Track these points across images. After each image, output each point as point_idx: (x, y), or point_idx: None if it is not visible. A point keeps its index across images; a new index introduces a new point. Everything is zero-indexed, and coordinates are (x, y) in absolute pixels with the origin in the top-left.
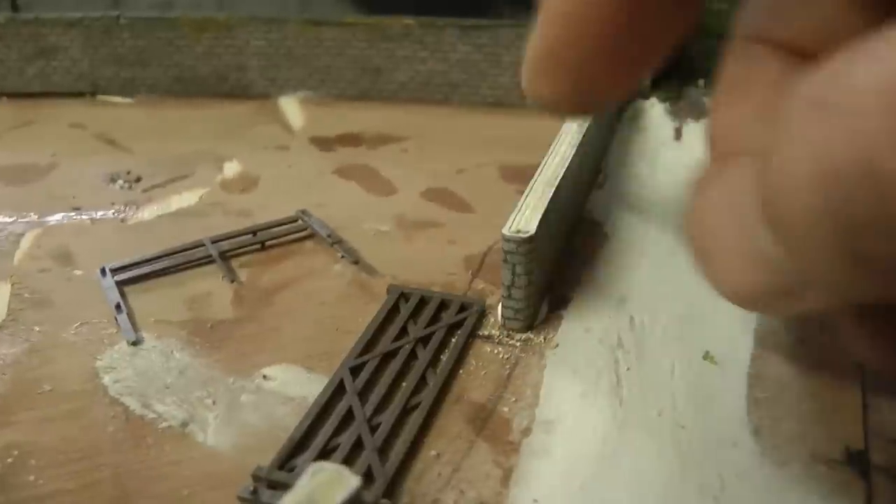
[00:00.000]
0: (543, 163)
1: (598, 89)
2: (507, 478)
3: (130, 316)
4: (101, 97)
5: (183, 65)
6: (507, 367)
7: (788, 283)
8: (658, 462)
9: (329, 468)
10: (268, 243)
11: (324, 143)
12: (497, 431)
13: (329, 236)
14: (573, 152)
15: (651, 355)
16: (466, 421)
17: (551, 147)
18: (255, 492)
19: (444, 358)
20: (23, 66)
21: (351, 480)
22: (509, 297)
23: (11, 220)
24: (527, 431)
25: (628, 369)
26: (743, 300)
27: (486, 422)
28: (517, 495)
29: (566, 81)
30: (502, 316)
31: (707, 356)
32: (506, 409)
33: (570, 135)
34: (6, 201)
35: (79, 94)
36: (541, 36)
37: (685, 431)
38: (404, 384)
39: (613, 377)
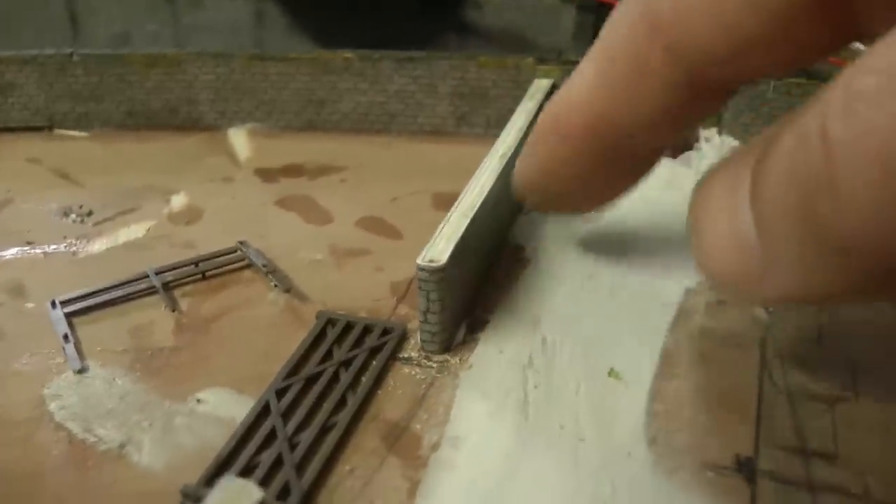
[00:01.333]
0: (462, 194)
1: (568, 211)
2: (413, 490)
3: (77, 346)
4: (57, 131)
5: (135, 99)
6: (423, 387)
7: (760, 268)
8: (556, 473)
9: (236, 482)
10: (208, 273)
11: (267, 175)
12: (408, 447)
13: (264, 266)
14: (492, 182)
15: (559, 374)
16: (381, 438)
17: (472, 178)
18: None
19: (364, 379)
20: None
21: (254, 493)
22: (426, 321)
23: None
24: (436, 447)
25: (536, 387)
26: (721, 280)
27: (398, 438)
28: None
29: (539, 202)
30: (420, 339)
31: (612, 373)
32: (418, 426)
33: (491, 164)
34: None
35: (36, 129)
36: (523, 160)
37: (584, 444)
38: (325, 405)
39: (521, 395)
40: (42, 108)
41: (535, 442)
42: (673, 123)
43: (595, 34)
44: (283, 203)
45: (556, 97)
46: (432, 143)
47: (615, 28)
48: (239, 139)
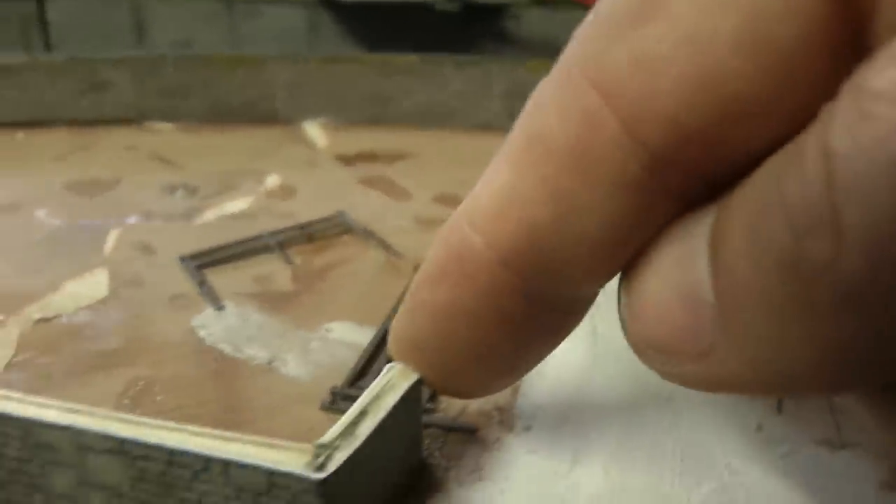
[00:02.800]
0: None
1: (462, 389)
2: (515, 391)
3: (211, 290)
4: (146, 124)
5: (219, 96)
6: None
7: (709, 336)
8: (623, 381)
9: (397, 366)
10: (314, 236)
11: (346, 160)
12: None
13: (363, 230)
14: None
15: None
16: None
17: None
18: (333, 402)
19: None
20: (77, 98)
21: (413, 375)
22: None
23: (94, 222)
24: None
25: (601, 317)
26: (654, 346)
27: None
28: (523, 403)
29: (427, 372)
30: None
31: None
32: None
33: None
34: (85, 208)
35: (126, 122)
36: (405, 316)
37: None
38: None
39: (589, 321)
40: (133, 104)
41: (605, 359)
42: (622, 243)
43: None
44: (365, 182)
45: (456, 215)
46: (486, 136)
47: (546, 105)
48: (313, 131)
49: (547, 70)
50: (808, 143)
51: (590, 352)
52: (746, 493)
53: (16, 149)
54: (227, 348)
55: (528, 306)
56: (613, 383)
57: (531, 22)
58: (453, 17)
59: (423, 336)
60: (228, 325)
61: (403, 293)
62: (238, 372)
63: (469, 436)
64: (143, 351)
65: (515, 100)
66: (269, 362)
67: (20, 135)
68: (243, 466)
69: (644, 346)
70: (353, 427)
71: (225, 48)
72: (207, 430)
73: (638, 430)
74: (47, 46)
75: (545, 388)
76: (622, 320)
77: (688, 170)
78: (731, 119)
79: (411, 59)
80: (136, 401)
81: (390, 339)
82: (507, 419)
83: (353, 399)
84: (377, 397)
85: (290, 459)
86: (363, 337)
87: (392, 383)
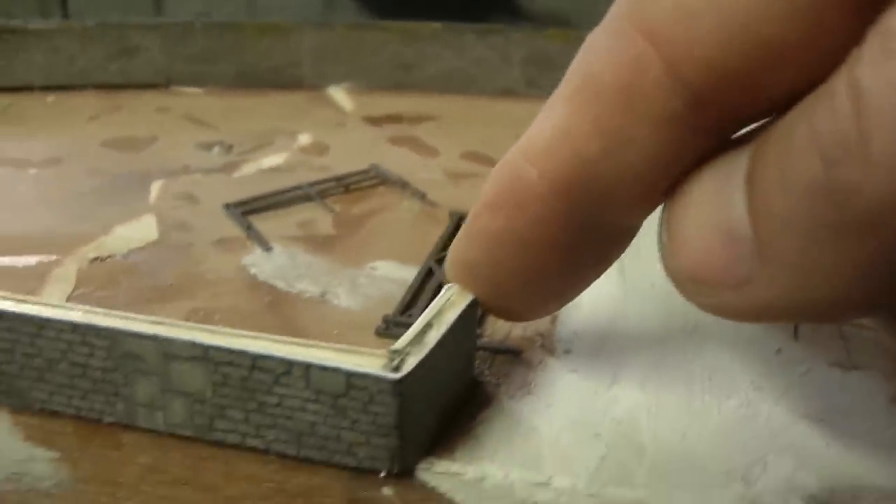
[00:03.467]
0: None
1: (513, 311)
2: (554, 319)
3: (258, 234)
4: (174, 88)
5: (246, 61)
6: None
7: (748, 266)
8: (651, 311)
9: (453, 287)
10: (351, 187)
11: (373, 121)
12: None
13: (399, 181)
14: None
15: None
16: None
17: None
18: (387, 328)
19: None
20: (107, 62)
21: (469, 295)
22: None
23: (136, 174)
24: None
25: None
26: (694, 280)
27: None
28: (562, 330)
29: (480, 295)
30: None
31: None
32: None
33: None
34: (125, 163)
35: (154, 86)
36: (462, 242)
37: (674, 295)
38: None
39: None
40: (162, 69)
41: (634, 292)
42: (664, 175)
43: None
44: (393, 141)
45: (512, 151)
46: (506, 102)
47: (597, 51)
48: (339, 95)
49: (564, 40)
50: (838, 81)
51: (620, 285)
52: (769, 406)
53: (48, 110)
54: (279, 283)
55: (575, 235)
56: (643, 314)
57: None
58: None
59: (478, 261)
60: (278, 264)
61: (443, 236)
62: (292, 304)
63: (514, 357)
64: (199, 286)
65: (533, 67)
66: (322, 295)
67: (51, 98)
68: (324, 369)
69: (683, 277)
70: (420, 336)
71: (241, 17)
72: (287, 337)
73: (669, 353)
74: (65, 17)
75: (581, 318)
76: (662, 253)
77: (726, 108)
78: (765, 62)
79: (434, 26)
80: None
81: (447, 262)
82: (548, 343)
83: (405, 325)
84: (440, 312)
85: (367, 362)
86: (406, 273)
87: (452, 301)
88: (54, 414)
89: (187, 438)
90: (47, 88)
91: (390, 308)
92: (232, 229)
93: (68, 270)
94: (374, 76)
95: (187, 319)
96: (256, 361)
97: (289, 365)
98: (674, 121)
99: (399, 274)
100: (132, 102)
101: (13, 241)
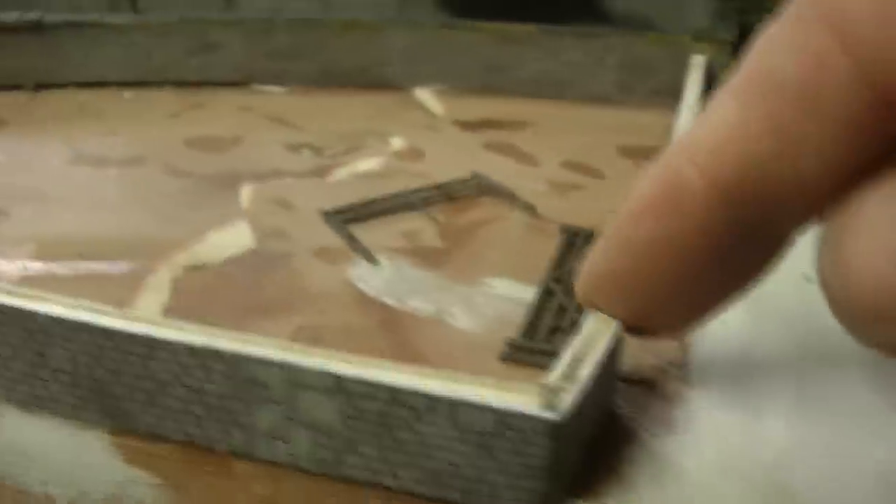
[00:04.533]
0: (676, 123)
1: (654, 327)
2: (685, 347)
3: (362, 245)
4: (254, 86)
5: (330, 59)
6: None
7: None
8: (786, 337)
9: (599, 314)
10: (453, 196)
11: (467, 126)
12: None
13: (505, 192)
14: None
15: None
16: None
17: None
18: (512, 353)
19: None
20: (186, 59)
21: (615, 322)
22: None
23: (224, 176)
24: None
25: None
26: (866, 307)
27: None
28: (694, 359)
29: (622, 310)
30: None
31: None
32: None
33: (686, 119)
34: (211, 162)
35: (234, 84)
36: (604, 253)
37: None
38: None
39: None
40: (242, 66)
41: (767, 316)
42: (839, 182)
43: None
44: (490, 148)
45: (670, 150)
46: (600, 108)
47: (777, 44)
48: (427, 97)
49: (666, 45)
50: None
51: (747, 308)
52: None
53: (125, 107)
54: (389, 300)
55: (734, 243)
56: (776, 340)
57: None
58: None
59: (624, 273)
60: (386, 279)
61: (557, 253)
62: (406, 323)
63: (648, 389)
64: (303, 301)
65: (629, 73)
66: (437, 314)
67: (127, 94)
68: (473, 406)
69: (855, 309)
70: (572, 370)
71: (313, 15)
72: (429, 369)
73: (808, 385)
74: (135, 11)
75: (713, 345)
76: (823, 279)
77: None
78: None
79: (529, 28)
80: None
81: (581, 278)
82: (682, 374)
83: (531, 351)
84: (588, 342)
85: (519, 400)
86: (523, 293)
87: (599, 330)
88: (157, 437)
89: (308, 472)
90: (123, 84)
91: (511, 330)
92: (332, 238)
93: (162, 279)
94: (464, 78)
95: (294, 338)
96: (397, 395)
97: (433, 401)
98: (858, 124)
99: (516, 293)
100: (212, 100)
101: (100, 245)
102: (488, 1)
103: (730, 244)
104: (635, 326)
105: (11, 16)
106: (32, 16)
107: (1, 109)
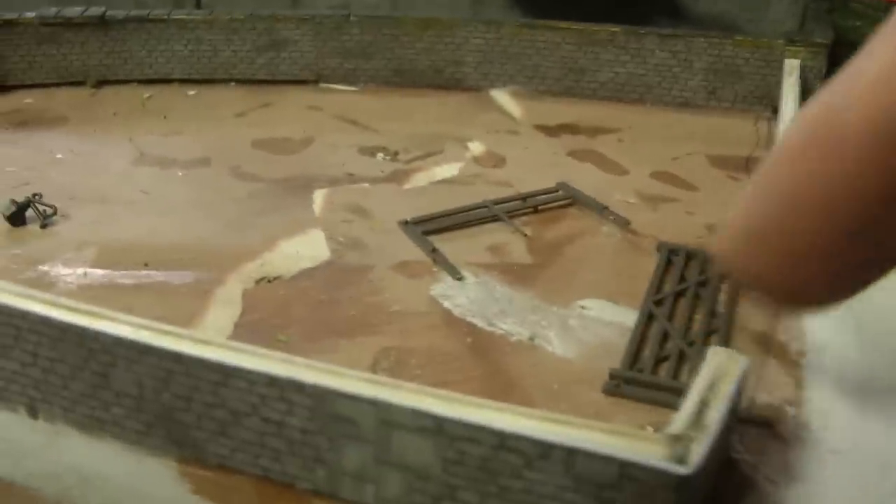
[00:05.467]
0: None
1: (799, 292)
2: (799, 384)
3: (446, 259)
4: (323, 85)
5: (404, 58)
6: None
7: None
8: None
9: (722, 351)
10: (539, 208)
11: (548, 131)
12: (780, 353)
13: (595, 204)
14: None
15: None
16: (754, 343)
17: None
18: (617, 386)
19: (721, 298)
20: (254, 56)
21: (741, 360)
22: None
23: (294, 179)
24: (801, 353)
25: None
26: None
27: (769, 346)
28: (811, 397)
29: (767, 267)
30: None
31: None
32: (782, 337)
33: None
34: (280, 165)
35: (302, 82)
36: (748, 203)
37: None
38: (697, 316)
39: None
40: (311, 64)
41: (877, 354)
42: None
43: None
44: (574, 155)
45: (825, 93)
46: (685, 113)
47: None
48: (504, 99)
49: (756, 48)
50: None
51: (859, 345)
52: None
53: (189, 104)
54: (478, 321)
55: (892, 192)
56: (892, 379)
57: None
58: None
59: (771, 224)
60: (473, 297)
61: (656, 274)
62: (498, 347)
63: (766, 430)
64: (386, 319)
65: (716, 77)
66: (531, 339)
67: (191, 91)
68: (592, 455)
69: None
70: (699, 417)
71: (383, 12)
72: (540, 412)
73: None
74: (197, 5)
75: (829, 382)
76: None
77: None
78: None
79: (613, 29)
80: (393, 373)
81: (720, 237)
82: (800, 414)
83: (638, 384)
84: (713, 385)
85: (644, 449)
86: (621, 316)
87: (723, 369)
88: (228, 469)
89: None
90: (187, 81)
91: (610, 358)
92: (413, 251)
93: (232, 292)
94: (542, 80)
95: (378, 362)
96: (506, 441)
97: (547, 447)
98: None
99: (613, 316)
100: (280, 99)
101: (165, 252)
102: (562, 4)
103: (888, 193)
104: (776, 291)
105: (75, 10)
106: (96, 11)
107: (62, 106)
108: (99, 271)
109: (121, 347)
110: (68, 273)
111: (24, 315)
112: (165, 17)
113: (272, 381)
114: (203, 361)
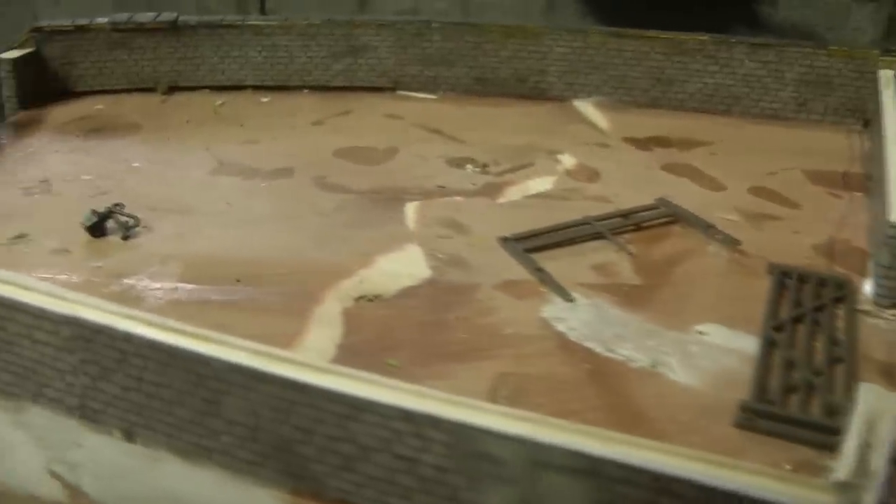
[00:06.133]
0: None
1: None
2: None
3: (553, 279)
4: (400, 92)
5: (486, 66)
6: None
7: None
8: None
9: (875, 388)
10: (640, 225)
11: (639, 144)
12: None
13: (700, 222)
14: None
15: None
16: (879, 373)
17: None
18: (749, 420)
19: (838, 324)
20: (330, 62)
21: (892, 396)
22: (887, 277)
23: (383, 191)
24: None
25: None
26: None
27: (892, 376)
28: None
29: None
30: (876, 293)
31: None
32: None
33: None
34: (366, 176)
35: (378, 89)
36: None
37: None
38: (817, 343)
39: None
40: (389, 71)
41: None
42: None
43: None
44: (668, 169)
45: None
46: (774, 126)
47: None
48: (588, 110)
49: (850, 58)
50: None
51: None
52: None
53: (264, 111)
54: (594, 346)
55: None
56: None
57: (788, 7)
58: (705, 0)
59: None
60: (586, 320)
61: (770, 298)
62: (618, 374)
63: None
64: (498, 343)
65: (807, 88)
66: (652, 366)
67: (265, 98)
68: (757, 502)
69: None
70: (864, 462)
71: (453, 18)
72: (704, 453)
73: None
74: (262, 10)
75: None
76: None
77: None
78: None
79: (702, 38)
80: (513, 402)
81: None
82: None
83: (773, 418)
84: (870, 424)
85: (814, 498)
86: (741, 342)
87: (879, 409)
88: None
89: None
90: (260, 88)
91: (735, 387)
92: (516, 269)
93: (331, 311)
94: (628, 90)
95: (496, 389)
96: (666, 484)
97: (710, 493)
98: None
99: (733, 342)
100: (357, 106)
101: (255, 267)
102: (635, 7)
103: None
104: None
105: (148, 16)
106: (168, 16)
107: (133, 112)
108: (187, 286)
109: (236, 374)
110: (156, 287)
111: (130, 338)
112: (240, 22)
113: (408, 416)
114: (330, 393)
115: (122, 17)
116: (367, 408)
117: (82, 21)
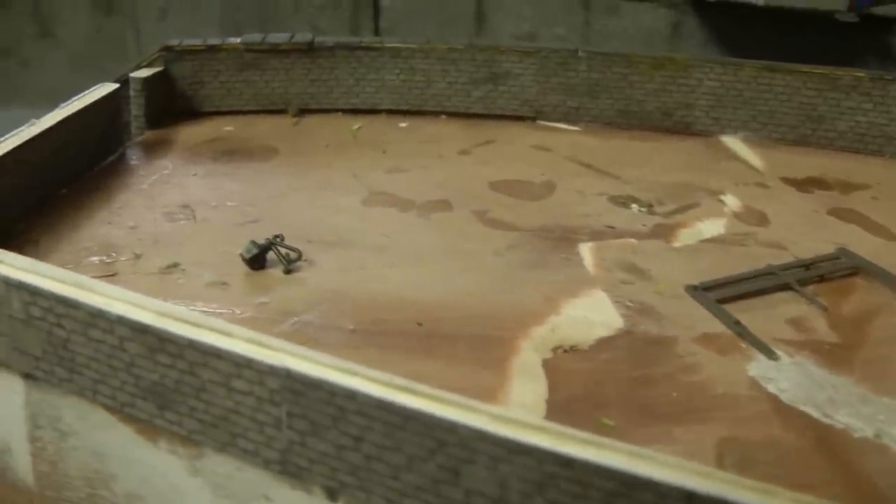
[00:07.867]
0: None
1: None
2: None
3: (752, 334)
4: (540, 122)
5: (632, 98)
6: None
7: None
8: None
9: None
10: (823, 277)
11: (798, 185)
12: None
13: (880, 274)
14: None
15: None
16: None
17: None
18: None
19: None
20: (470, 88)
21: None
22: None
23: (553, 229)
24: None
25: None
26: None
27: None
28: None
29: None
30: None
31: None
32: None
33: None
34: (531, 213)
35: (518, 118)
36: None
37: None
38: None
39: None
40: (531, 99)
41: None
42: None
43: None
44: (835, 213)
45: None
46: None
47: None
48: (737, 146)
49: None
50: None
51: None
52: None
53: (403, 137)
54: (814, 413)
55: None
56: None
57: None
58: (834, 30)
59: None
60: (796, 381)
61: None
62: (844, 445)
63: None
64: (710, 405)
65: None
66: (876, 436)
67: (403, 123)
68: None
69: None
70: None
71: (573, 45)
72: None
73: None
74: (376, 32)
75: None
76: None
77: None
78: None
79: (858, 74)
80: (741, 469)
81: None
82: None
83: None
84: None
85: None
86: None
87: None
88: None
89: None
90: (395, 112)
91: None
92: (711, 321)
93: (530, 362)
94: (776, 127)
95: (722, 454)
96: None
97: None
98: None
99: None
100: (500, 135)
101: (436, 309)
102: (759, 34)
103: None
104: None
105: (282, 36)
106: (303, 37)
107: (265, 134)
108: (365, 328)
109: (486, 443)
110: (330, 328)
111: (353, 395)
112: (378, 44)
113: (690, 496)
114: (599, 468)
115: (256, 37)
116: (641, 485)
117: (214, 41)
